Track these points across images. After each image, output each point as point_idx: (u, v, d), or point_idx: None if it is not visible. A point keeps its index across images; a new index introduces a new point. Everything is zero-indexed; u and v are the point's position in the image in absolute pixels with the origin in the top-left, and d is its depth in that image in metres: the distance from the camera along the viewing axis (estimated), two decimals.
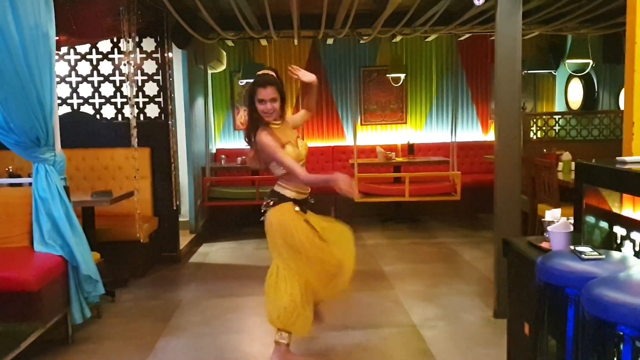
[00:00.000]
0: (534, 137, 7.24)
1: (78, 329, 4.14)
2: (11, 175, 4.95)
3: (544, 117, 7.38)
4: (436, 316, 4.42)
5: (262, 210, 3.53)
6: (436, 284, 5.24)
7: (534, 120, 7.29)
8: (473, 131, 9.20)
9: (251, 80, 7.92)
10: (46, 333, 3.69)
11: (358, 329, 4.23)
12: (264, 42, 8.05)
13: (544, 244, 2.96)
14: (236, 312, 4.62)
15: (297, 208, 3.45)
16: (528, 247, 3.02)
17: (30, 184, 4.02)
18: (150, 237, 5.81)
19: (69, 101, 6.08)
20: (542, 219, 3.15)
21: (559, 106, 8.92)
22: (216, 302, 4.89)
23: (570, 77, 8.41)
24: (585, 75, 7.80)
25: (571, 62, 7.60)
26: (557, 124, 7.33)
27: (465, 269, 5.78)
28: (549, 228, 2.89)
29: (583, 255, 2.30)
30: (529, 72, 8.70)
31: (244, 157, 7.70)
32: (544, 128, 7.27)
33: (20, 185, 4.45)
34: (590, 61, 7.29)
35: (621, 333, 1.87)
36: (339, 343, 3.96)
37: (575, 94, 8.34)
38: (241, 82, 8.39)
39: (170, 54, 6.13)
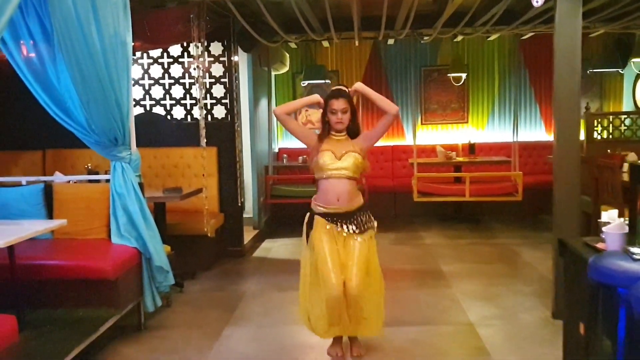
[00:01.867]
0: (598, 138, 7.11)
1: (150, 317, 4.43)
2: (90, 172, 5.31)
3: (609, 117, 7.23)
4: (494, 315, 4.47)
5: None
6: (495, 284, 5.26)
7: (598, 120, 7.15)
8: (536, 131, 9.08)
9: (313, 82, 8.17)
10: (121, 319, 3.97)
11: (413, 325, 4.33)
12: (325, 43, 8.22)
13: (600, 245, 2.99)
14: (296, 305, 4.77)
15: (328, 226, 3.54)
16: (584, 247, 3.05)
17: (107, 180, 4.35)
18: (217, 232, 6.08)
19: (142, 103, 6.43)
20: (599, 220, 3.18)
21: (627, 105, 8.68)
22: (277, 295, 5.10)
23: (638, 76, 8.18)
24: None
25: (638, 61, 7.40)
26: (622, 124, 7.17)
27: (525, 270, 5.76)
28: (604, 229, 2.92)
29: (635, 255, 2.34)
30: (594, 70, 8.52)
31: (305, 156, 7.90)
32: (609, 128, 7.12)
33: (98, 181, 4.77)
34: None
35: None
36: (394, 338, 4.06)
37: None
38: (303, 84, 8.60)
39: (236, 57, 6.39)
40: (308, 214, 3.67)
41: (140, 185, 4.28)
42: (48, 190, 4.41)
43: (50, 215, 4.36)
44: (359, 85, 3.64)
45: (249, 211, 7.46)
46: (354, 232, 3.52)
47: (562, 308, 4.20)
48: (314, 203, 3.63)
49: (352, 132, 3.61)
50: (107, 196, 4.21)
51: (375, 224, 3.68)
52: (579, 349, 3.08)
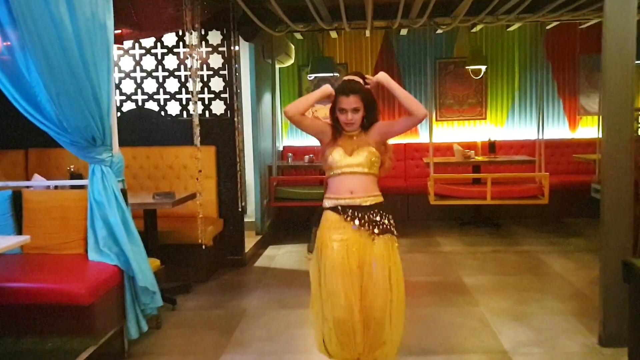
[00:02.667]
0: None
1: (135, 342, 3.84)
2: (72, 176, 4.74)
3: None
4: (530, 341, 3.88)
5: None
6: (526, 300, 4.68)
7: None
8: (559, 128, 8.47)
9: (321, 75, 7.57)
10: (101, 347, 3.42)
11: (440, 353, 3.75)
12: (333, 34, 7.64)
13: None
14: (303, 328, 4.22)
15: (337, 216, 3.02)
16: None
17: (87, 186, 3.77)
18: (215, 240, 5.53)
19: (133, 97, 5.87)
20: None
21: None
22: (282, 314, 4.53)
23: None
24: None
25: None
26: None
27: (556, 283, 5.18)
28: None
29: None
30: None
31: (311, 155, 7.33)
32: None
33: (82, 187, 4.20)
34: None
35: None
36: None
37: None
38: (310, 77, 8.01)
39: (237, 48, 5.81)
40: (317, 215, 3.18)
41: (124, 191, 3.71)
42: (17, 198, 3.84)
43: (19, 228, 3.79)
44: (382, 77, 3.04)
45: (251, 215, 6.89)
46: (371, 229, 2.98)
47: (613, 335, 3.64)
48: (324, 199, 3.13)
49: (364, 126, 3.09)
50: (85, 205, 3.65)
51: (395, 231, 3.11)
52: None
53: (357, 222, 2.98)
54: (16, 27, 3.41)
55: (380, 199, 3.08)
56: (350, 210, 3.00)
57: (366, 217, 2.99)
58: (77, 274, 3.36)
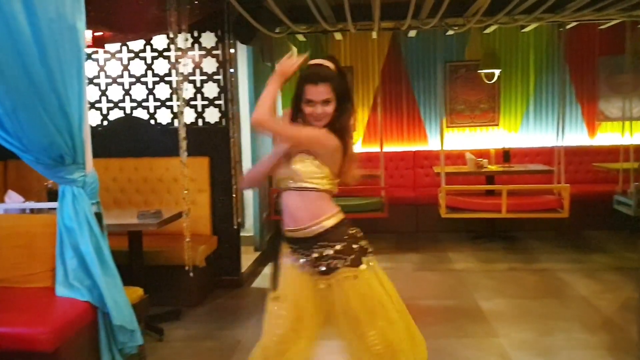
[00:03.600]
0: None
1: None
2: (50, 193, 4.30)
3: None
4: None
5: None
6: (550, 331, 4.22)
7: None
8: (577, 134, 7.98)
9: None
10: None
11: None
12: (338, 36, 7.18)
13: None
14: None
15: (289, 251, 2.51)
16: None
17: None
18: (208, 260, 5.08)
19: (120, 105, 5.44)
20: None
21: None
22: None
23: None
24: None
25: None
26: None
27: (583, 308, 4.70)
28: None
29: None
30: None
31: None
32: None
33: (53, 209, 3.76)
34: None
35: None
36: None
37: None
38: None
39: (232, 51, 5.37)
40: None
41: (98, 216, 3.27)
42: None
43: None
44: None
45: (249, 229, 6.45)
46: (313, 270, 2.42)
47: None
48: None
49: (337, 130, 2.45)
50: (54, 231, 3.21)
51: (365, 246, 2.47)
52: None
53: (302, 263, 2.46)
54: None
55: (332, 222, 2.43)
56: (296, 246, 2.48)
57: (311, 251, 2.43)
58: (40, 314, 2.92)
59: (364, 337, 2.40)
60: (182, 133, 4.32)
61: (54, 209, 3.31)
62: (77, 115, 3.07)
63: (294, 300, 2.47)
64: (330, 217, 2.45)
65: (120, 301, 3.18)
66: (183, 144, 4.33)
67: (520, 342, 4.03)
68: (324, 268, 2.40)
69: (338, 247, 2.41)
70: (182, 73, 4.34)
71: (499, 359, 3.77)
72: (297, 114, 2.50)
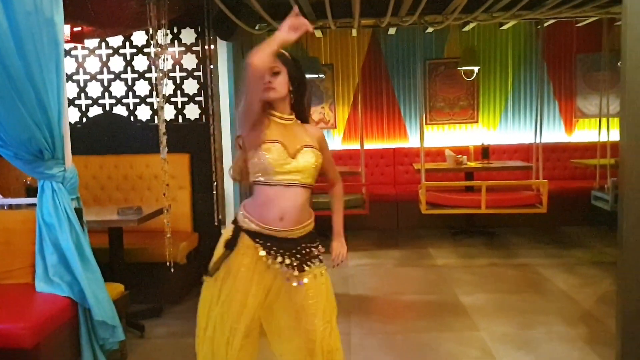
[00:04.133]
0: None
1: None
2: (29, 189, 4.27)
3: None
4: None
5: None
6: (530, 324, 4.27)
7: None
8: (555, 131, 8.08)
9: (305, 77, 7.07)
10: None
11: None
12: (318, 33, 7.19)
13: None
14: None
15: (262, 252, 2.34)
16: None
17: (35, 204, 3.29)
18: (189, 257, 5.05)
19: (100, 101, 5.38)
20: None
21: None
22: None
23: None
24: None
25: None
26: None
27: (562, 302, 4.76)
28: None
29: None
30: None
31: None
32: None
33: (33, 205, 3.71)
34: None
35: None
36: None
37: None
38: None
39: (212, 47, 5.35)
40: (230, 229, 2.43)
41: (78, 211, 3.24)
42: None
43: None
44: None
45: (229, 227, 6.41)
46: (294, 268, 2.34)
47: None
48: (243, 214, 2.39)
49: (300, 113, 2.45)
50: (34, 227, 3.18)
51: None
52: None
53: (282, 262, 2.35)
54: None
55: (312, 224, 2.44)
56: (276, 245, 2.34)
57: (295, 251, 2.37)
58: (19, 310, 2.89)
59: (315, 330, 2.38)
60: (162, 129, 4.29)
61: (33, 205, 3.28)
62: (56, 110, 3.05)
63: (244, 292, 2.35)
64: (312, 217, 2.45)
65: (102, 297, 3.16)
66: (163, 140, 4.30)
67: (501, 335, 4.08)
68: (304, 265, 2.38)
69: (315, 245, 2.45)
70: (161, 69, 4.29)
71: (480, 352, 3.81)
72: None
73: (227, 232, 2.45)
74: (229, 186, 6.31)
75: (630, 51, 3.21)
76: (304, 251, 2.39)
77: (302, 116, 2.46)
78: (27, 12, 2.80)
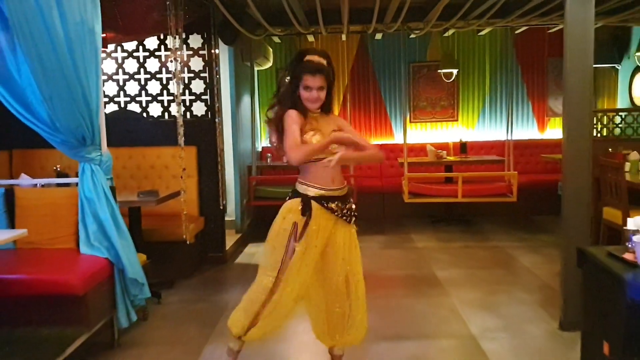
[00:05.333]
0: (598, 136, 6.84)
1: (124, 333, 4.02)
2: (59, 175, 4.88)
3: (609, 114, 6.96)
4: (497, 327, 4.14)
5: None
6: (495, 292, 4.95)
7: (598, 117, 6.89)
8: (528, 129, 8.82)
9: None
10: (92, 337, 3.57)
11: (413, 339, 3.99)
12: (310, 38, 7.86)
13: (627, 255, 2.68)
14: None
15: (324, 204, 2.99)
16: (608, 258, 2.74)
17: (77, 184, 3.93)
18: (196, 238, 5.70)
19: (116, 99, 6.01)
20: (624, 228, 2.87)
21: (622, 102, 8.44)
22: None
23: (635, 71, 7.93)
24: None
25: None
26: (622, 121, 6.91)
27: (524, 276, 5.45)
28: (634, 238, 2.61)
29: None
30: None
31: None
32: (609, 126, 6.86)
33: (67, 185, 4.35)
34: None
35: None
36: (393, 354, 3.72)
37: None
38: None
39: (216, 51, 6.00)
40: (297, 200, 3.02)
41: (112, 189, 3.88)
42: (9, 196, 3.99)
43: (12, 223, 3.94)
44: (341, 157, 2.91)
45: (231, 214, 7.07)
46: (350, 219, 3.09)
47: (572, 320, 3.91)
48: (304, 185, 3.03)
49: (326, 105, 3.11)
50: (75, 202, 3.81)
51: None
52: None
53: (345, 215, 3.06)
54: (7, 30, 3.58)
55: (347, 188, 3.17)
56: (338, 203, 3.04)
57: (348, 206, 3.10)
58: (70, 266, 3.52)
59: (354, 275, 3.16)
60: (180, 121, 4.95)
61: (74, 184, 3.91)
62: (95, 104, 3.69)
63: (321, 246, 3.06)
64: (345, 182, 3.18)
65: (133, 259, 3.80)
66: (181, 130, 4.95)
67: (468, 300, 4.75)
68: (353, 217, 3.10)
69: (353, 202, 3.17)
70: (179, 70, 4.93)
71: (449, 312, 4.48)
72: (292, 94, 3.05)
73: (291, 204, 3.03)
74: (230, 176, 6.99)
75: (570, 58, 3.90)
76: (352, 205, 3.12)
77: (328, 108, 3.12)
78: (75, 23, 3.43)
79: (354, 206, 3.15)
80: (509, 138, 7.36)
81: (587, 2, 3.85)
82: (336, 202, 3.05)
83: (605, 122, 6.86)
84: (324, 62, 3.08)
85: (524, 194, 7.38)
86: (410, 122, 8.80)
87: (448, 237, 7.12)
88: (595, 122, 6.84)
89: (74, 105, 3.48)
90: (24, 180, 4.62)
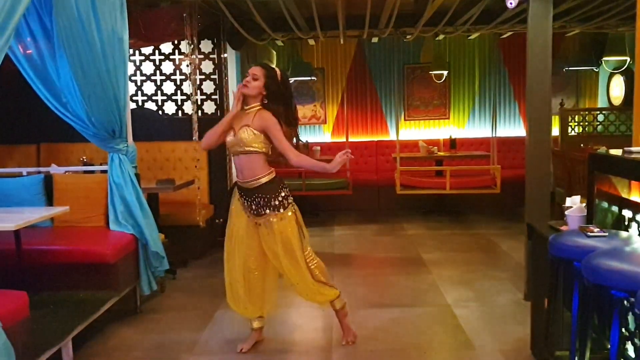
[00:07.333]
0: (573, 133, 7.44)
1: (145, 301, 4.66)
2: (85, 164, 5.52)
3: (582, 113, 7.56)
4: (469, 298, 4.76)
5: None
6: (472, 270, 5.56)
7: (572, 116, 7.48)
8: (515, 128, 9.40)
9: (300, 78, 8.33)
10: (118, 303, 4.20)
11: (394, 306, 4.61)
12: (311, 41, 8.47)
13: (563, 227, 3.29)
14: (284, 290, 5.04)
15: (240, 200, 3.59)
16: (548, 229, 3.35)
17: (102, 171, 4.58)
18: (207, 223, 6.32)
19: (134, 98, 6.65)
20: (563, 205, 3.47)
21: (602, 102, 9.04)
22: None
23: (612, 74, 8.53)
24: (628, 71, 7.94)
25: (609, 59, 7.76)
26: (595, 120, 7.51)
27: (501, 258, 6.07)
28: (566, 212, 3.22)
29: (588, 233, 2.63)
30: (570, 69, 8.86)
31: None
32: (582, 124, 7.46)
33: (93, 172, 4.99)
34: (628, 58, 7.44)
35: (615, 296, 2.20)
36: (376, 318, 4.33)
37: (618, 90, 8.46)
38: (290, 80, 8.85)
39: (225, 55, 6.62)
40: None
41: (137, 175, 4.51)
42: (48, 181, 4.63)
43: (49, 204, 4.57)
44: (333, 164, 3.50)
45: None
46: (253, 213, 3.50)
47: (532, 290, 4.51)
48: None
49: (275, 112, 3.46)
50: (105, 186, 4.44)
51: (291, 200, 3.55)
52: (545, 323, 3.36)
53: (248, 207, 3.50)
54: (48, 40, 4.20)
55: (267, 179, 3.44)
56: (244, 194, 3.50)
57: (253, 199, 3.47)
58: (102, 240, 4.16)
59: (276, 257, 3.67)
60: (195, 117, 5.63)
61: (104, 171, 4.56)
62: (123, 102, 4.32)
63: (242, 236, 3.65)
64: (265, 174, 3.49)
65: (155, 236, 4.43)
66: (195, 126, 5.60)
67: (447, 277, 5.37)
68: (259, 211, 3.50)
69: (268, 197, 3.49)
70: (192, 72, 5.56)
71: (429, 286, 5.10)
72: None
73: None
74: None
75: (532, 62, 4.51)
76: (260, 199, 3.46)
77: (278, 115, 3.47)
78: (108, 33, 4.05)
79: (266, 200, 3.44)
80: (493, 135, 7.97)
81: (546, 13, 4.45)
82: (242, 194, 3.55)
83: (578, 121, 7.46)
84: (271, 67, 3.60)
85: (510, 187, 7.97)
86: (405, 120, 9.41)
87: (436, 225, 7.74)
88: (569, 120, 7.43)
89: (106, 103, 4.11)
90: (60, 168, 5.26)
